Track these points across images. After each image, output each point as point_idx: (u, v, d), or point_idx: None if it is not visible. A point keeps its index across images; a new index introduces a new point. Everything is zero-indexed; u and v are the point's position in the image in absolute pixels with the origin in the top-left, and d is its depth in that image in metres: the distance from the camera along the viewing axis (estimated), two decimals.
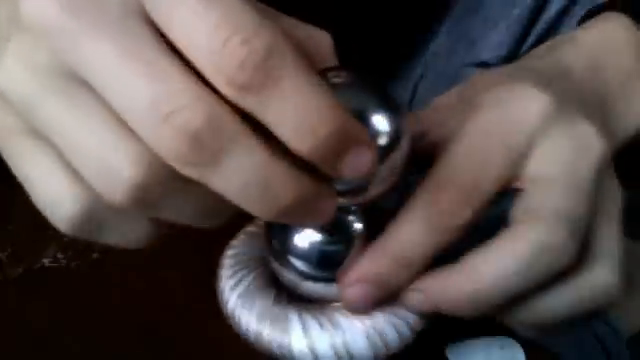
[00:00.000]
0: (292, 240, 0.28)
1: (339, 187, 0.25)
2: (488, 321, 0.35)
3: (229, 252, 0.33)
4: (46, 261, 0.37)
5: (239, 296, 0.31)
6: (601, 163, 0.26)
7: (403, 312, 0.30)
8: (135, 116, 0.20)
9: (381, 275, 0.26)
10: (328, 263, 0.28)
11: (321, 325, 0.29)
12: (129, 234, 0.24)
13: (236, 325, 0.31)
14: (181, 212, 0.22)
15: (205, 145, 0.20)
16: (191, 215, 0.23)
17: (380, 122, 0.24)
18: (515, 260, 0.25)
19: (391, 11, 0.49)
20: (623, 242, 0.28)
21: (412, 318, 0.30)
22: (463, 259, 0.26)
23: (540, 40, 0.47)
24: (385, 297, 0.26)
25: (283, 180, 0.21)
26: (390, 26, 0.49)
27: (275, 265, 0.29)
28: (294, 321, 0.30)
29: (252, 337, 0.31)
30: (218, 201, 0.21)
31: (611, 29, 0.32)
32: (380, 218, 0.28)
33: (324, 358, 0.29)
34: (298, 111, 0.20)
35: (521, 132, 0.26)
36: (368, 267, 0.26)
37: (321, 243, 0.28)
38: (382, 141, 0.25)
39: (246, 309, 0.31)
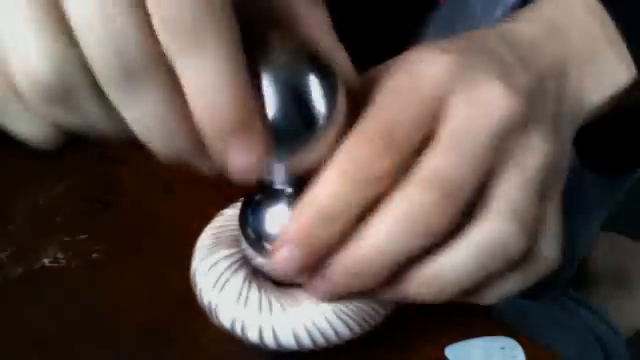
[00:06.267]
0: (264, 226, 0.29)
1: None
2: (488, 321, 0.35)
3: (206, 233, 0.34)
4: (46, 261, 0.37)
5: (209, 279, 0.31)
6: (504, 125, 0.25)
7: (370, 304, 0.31)
8: (82, 22, 0.20)
9: (304, 231, 0.25)
10: None
11: (284, 307, 0.30)
12: (32, 127, 0.24)
13: (204, 306, 0.31)
14: (81, 122, 0.23)
15: (132, 73, 0.21)
16: (91, 127, 0.23)
17: (319, 102, 0.25)
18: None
19: (375, 13, 0.49)
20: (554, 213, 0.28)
21: (378, 302, 0.31)
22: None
23: None
24: (314, 258, 0.26)
25: (184, 125, 0.22)
26: (373, 28, 0.49)
27: (249, 251, 0.30)
28: (258, 303, 0.30)
29: (217, 319, 0.31)
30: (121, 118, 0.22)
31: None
32: None
33: (284, 339, 0.30)
34: (205, 75, 0.21)
35: (425, 89, 0.25)
36: (291, 227, 0.25)
37: None
38: (319, 117, 0.26)
39: (215, 291, 0.31)
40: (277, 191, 0.29)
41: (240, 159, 0.23)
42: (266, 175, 0.27)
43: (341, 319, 0.30)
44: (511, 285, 0.27)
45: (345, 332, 0.30)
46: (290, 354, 0.31)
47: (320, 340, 0.30)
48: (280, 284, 0.32)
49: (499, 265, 0.25)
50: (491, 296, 0.27)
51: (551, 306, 0.65)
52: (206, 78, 0.21)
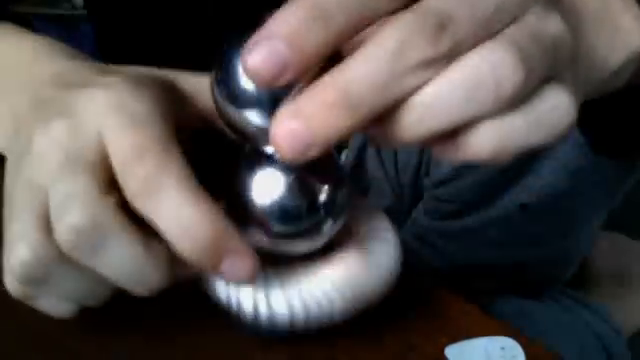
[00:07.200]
0: (251, 193, 0.29)
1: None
2: (488, 321, 0.35)
3: None
4: None
5: None
6: None
7: (366, 276, 0.31)
8: (51, 210, 0.27)
9: (293, 25, 0.21)
10: (289, 217, 0.29)
11: (282, 283, 0.30)
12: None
13: (204, 284, 0.32)
14: (65, 292, 0.29)
15: (86, 239, 0.26)
16: (73, 296, 0.29)
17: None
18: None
19: None
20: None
21: (373, 283, 0.31)
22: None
23: None
24: (297, 63, 0.21)
25: (152, 269, 0.27)
26: None
27: (242, 232, 0.29)
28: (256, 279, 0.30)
29: (214, 293, 0.31)
30: (96, 284, 0.28)
31: None
32: None
33: (279, 315, 0.30)
34: (178, 221, 0.26)
35: None
36: (277, 19, 0.21)
37: (281, 198, 0.28)
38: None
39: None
40: (266, 155, 0.28)
41: (234, 273, 0.27)
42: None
43: (339, 291, 0.30)
44: (510, 128, 0.23)
45: (340, 305, 0.30)
46: (289, 351, 0.31)
47: (314, 311, 0.30)
48: (277, 260, 0.32)
49: (490, 98, 0.22)
50: (486, 139, 0.23)
51: (552, 306, 0.65)
52: (175, 222, 0.26)
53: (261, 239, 0.29)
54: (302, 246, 0.30)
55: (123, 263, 0.27)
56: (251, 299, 0.30)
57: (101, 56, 0.59)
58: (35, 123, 0.28)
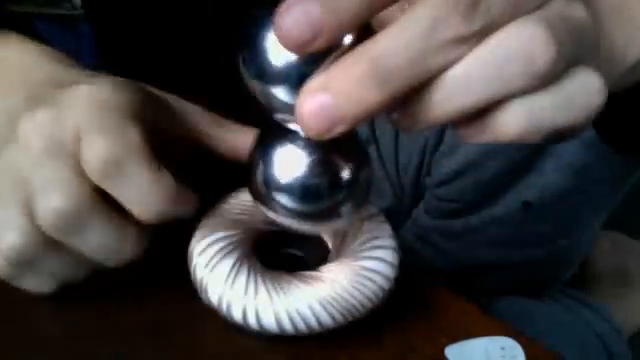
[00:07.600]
0: (274, 170, 0.28)
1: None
2: (488, 321, 0.35)
3: (212, 211, 0.35)
4: None
5: (203, 258, 0.32)
6: None
7: (356, 295, 0.31)
8: (33, 193, 0.29)
9: None
10: (310, 196, 0.28)
11: (269, 292, 0.30)
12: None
13: (195, 282, 0.33)
14: (49, 271, 0.31)
15: (68, 220, 0.29)
16: (57, 274, 0.31)
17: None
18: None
19: None
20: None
21: (363, 301, 0.31)
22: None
23: None
24: (330, 27, 0.21)
25: (126, 244, 0.31)
26: None
27: (263, 208, 0.29)
28: (244, 285, 0.31)
29: (205, 295, 0.32)
30: (77, 262, 0.31)
31: None
32: None
33: (268, 326, 0.31)
34: (137, 194, 0.30)
35: None
36: None
37: (303, 176, 0.27)
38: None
39: (207, 270, 0.32)
40: (292, 132, 0.27)
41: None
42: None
43: (325, 309, 0.30)
44: (539, 107, 0.22)
45: (328, 321, 0.31)
46: (289, 351, 0.31)
47: (301, 326, 0.30)
48: (271, 269, 0.32)
49: (521, 74, 0.22)
50: (515, 118, 0.22)
51: (552, 306, 0.65)
52: (136, 197, 0.30)
53: (282, 217, 0.29)
54: (322, 226, 0.30)
55: (101, 241, 0.30)
56: (240, 310, 0.31)
57: (101, 55, 0.59)
58: (23, 113, 0.30)
